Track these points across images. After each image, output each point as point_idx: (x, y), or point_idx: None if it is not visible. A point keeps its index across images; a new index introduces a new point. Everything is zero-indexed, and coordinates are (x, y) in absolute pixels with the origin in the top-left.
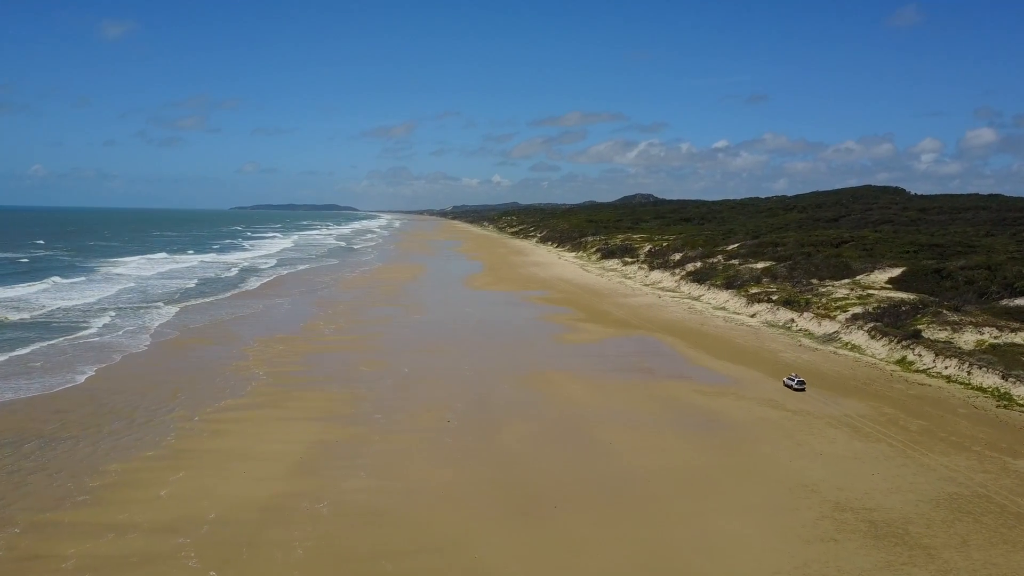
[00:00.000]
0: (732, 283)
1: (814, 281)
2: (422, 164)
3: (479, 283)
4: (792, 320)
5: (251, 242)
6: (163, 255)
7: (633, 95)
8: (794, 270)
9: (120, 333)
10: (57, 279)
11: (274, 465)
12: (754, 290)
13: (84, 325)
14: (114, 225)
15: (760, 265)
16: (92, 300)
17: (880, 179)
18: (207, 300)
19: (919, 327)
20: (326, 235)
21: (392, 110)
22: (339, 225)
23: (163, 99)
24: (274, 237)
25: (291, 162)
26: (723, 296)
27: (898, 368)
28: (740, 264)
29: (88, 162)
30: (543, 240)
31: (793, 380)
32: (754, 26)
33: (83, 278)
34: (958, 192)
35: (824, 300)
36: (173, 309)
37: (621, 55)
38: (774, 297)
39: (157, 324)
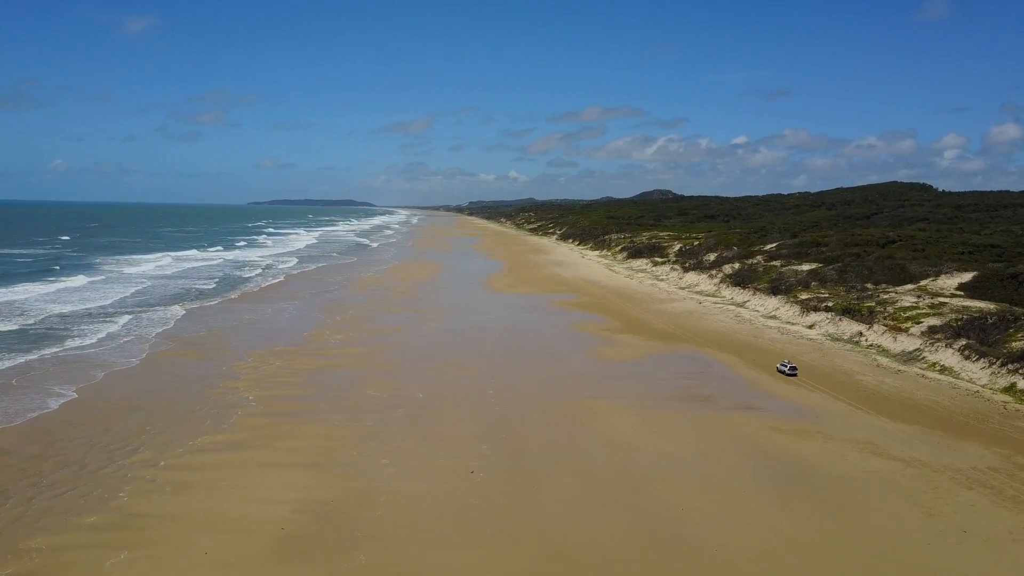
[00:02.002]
0: (778, 287)
1: (869, 286)
2: (440, 159)
3: (500, 284)
4: (860, 333)
5: (274, 238)
6: (185, 252)
7: (653, 91)
8: (845, 273)
9: (120, 343)
10: (83, 278)
11: (248, 541)
12: (804, 296)
13: (84, 333)
14: (137, 220)
15: (805, 267)
16: (107, 303)
17: (902, 175)
18: (214, 303)
19: (1018, 344)
20: (347, 231)
21: (411, 105)
22: (359, 220)
23: (183, 94)
24: (297, 233)
25: (309, 157)
26: (771, 303)
27: (1010, 399)
28: (783, 266)
29: (109, 157)
30: (563, 237)
31: (786, 366)
32: (777, 21)
33: (103, 277)
34: (981, 189)
35: (890, 309)
36: (180, 313)
37: (642, 50)
38: (830, 304)
39: (158, 332)
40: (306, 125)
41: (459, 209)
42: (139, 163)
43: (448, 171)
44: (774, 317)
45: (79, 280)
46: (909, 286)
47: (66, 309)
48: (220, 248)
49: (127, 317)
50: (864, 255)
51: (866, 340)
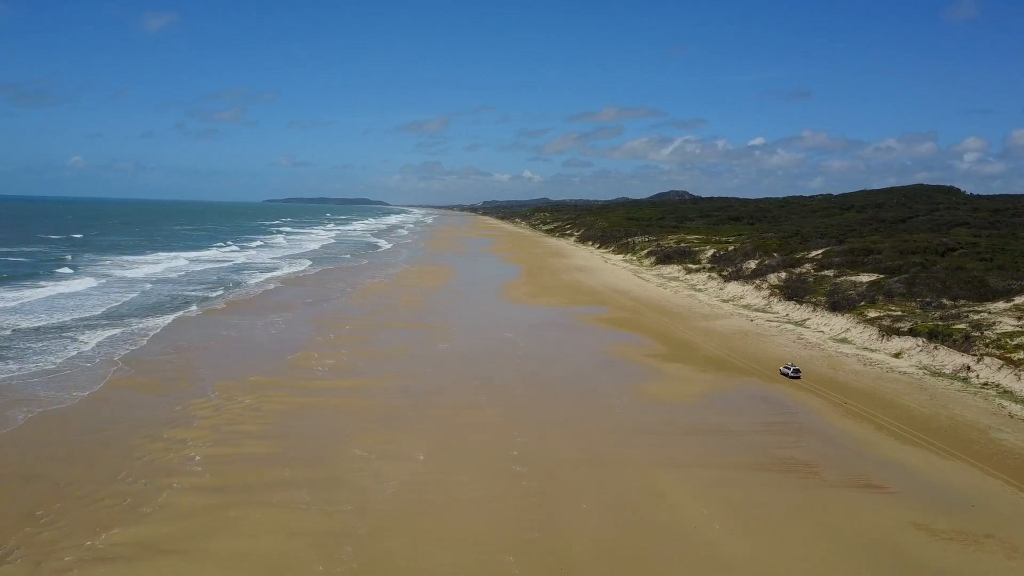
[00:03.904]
0: (838, 302)
1: (946, 302)
2: (455, 159)
3: (518, 293)
4: (967, 368)
5: (290, 239)
6: (198, 253)
7: (672, 91)
8: (913, 286)
9: (77, 369)
10: (80, 282)
11: None
12: (873, 313)
13: (52, 352)
14: (154, 218)
15: (864, 278)
16: (93, 313)
17: (919, 178)
18: (201, 314)
19: None
20: (363, 231)
21: (428, 104)
22: (376, 220)
23: (201, 91)
24: (314, 232)
25: (325, 155)
26: (838, 322)
27: None
28: (836, 276)
29: (126, 154)
30: (582, 239)
31: (789, 369)
32: (799, 22)
33: (103, 281)
34: (1001, 192)
35: (990, 334)
36: (160, 327)
37: (660, 51)
38: (911, 326)
39: (124, 354)
40: (323, 123)
41: (473, 209)
42: (156, 160)
43: (463, 170)
44: (845, 340)
45: (75, 284)
46: (1001, 304)
47: (43, 322)
48: (235, 248)
49: (103, 333)
50: (928, 264)
51: (977, 377)
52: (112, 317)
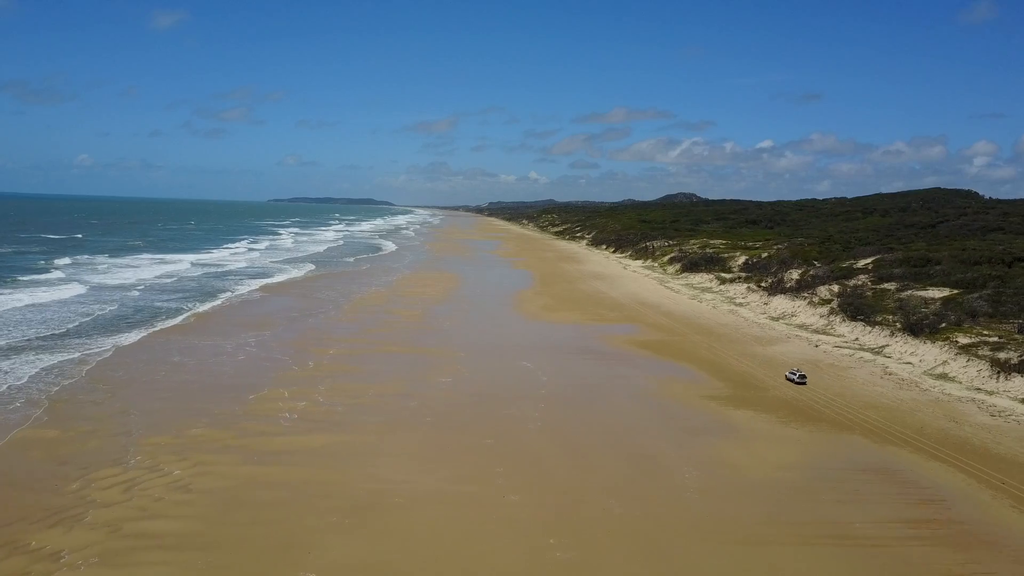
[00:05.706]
0: (917, 325)
1: None
2: (462, 160)
3: (533, 306)
4: None
5: (298, 239)
6: (200, 256)
7: (682, 93)
8: (1000, 304)
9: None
10: (76, 288)
11: None
12: (963, 339)
13: None
14: (160, 217)
15: (935, 294)
16: (60, 331)
17: (928, 182)
18: (168, 330)
19: None
20: (371, 231)
21: (436, 104)
22: (383, 220)
23: (210, 90)
24: (321, 233)
25: (332, 155)
26: (927, 351)
27: None
28: (899, 290)
29: (134, 152)
30: (594, 243)
31: (795, 374)
32: (811, 24)
33: (89, 287)
34: (1012, 196)
35: None
36: (113, 348)
37: (671, 52)
38: (1013, 354)
39: (58, 389)
40: (330, 123)
41: (479, 210)
42: (163, 159)
43: (469, 171)
44: (946, 377)
45: (52, 294)
46: None
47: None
48: (241, 249)
49: (53, 359)
50: (1005, 278)
51: None
52: (75, 336)
